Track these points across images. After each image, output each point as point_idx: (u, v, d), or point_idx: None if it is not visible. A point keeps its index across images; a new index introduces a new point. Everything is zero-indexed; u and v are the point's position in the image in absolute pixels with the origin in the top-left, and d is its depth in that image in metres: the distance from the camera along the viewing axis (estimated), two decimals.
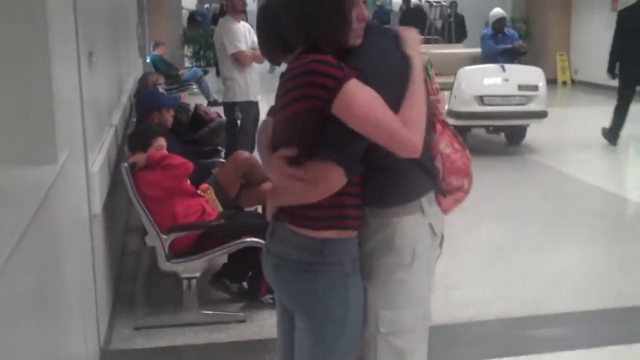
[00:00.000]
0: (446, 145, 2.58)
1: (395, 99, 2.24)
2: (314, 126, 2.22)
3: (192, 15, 23.12)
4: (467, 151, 2.68)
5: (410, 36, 2.40)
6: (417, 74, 2.32)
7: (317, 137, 2.22)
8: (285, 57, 2.46)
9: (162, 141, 4.87)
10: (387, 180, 2.38)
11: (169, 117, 5.85)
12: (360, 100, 2.18)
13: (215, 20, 18.25)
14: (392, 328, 2.43)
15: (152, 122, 5.69)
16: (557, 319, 4.69)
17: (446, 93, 9.55)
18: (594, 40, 16.94)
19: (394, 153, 2.26)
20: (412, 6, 17.90)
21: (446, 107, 8.93)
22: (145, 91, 7.08)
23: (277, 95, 2.37)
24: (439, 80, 8.71)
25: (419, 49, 2.38)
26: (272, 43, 2.53)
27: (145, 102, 6.25)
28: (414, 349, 2.50)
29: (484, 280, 5.34)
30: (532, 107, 9.74)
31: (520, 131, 10.39)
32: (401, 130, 2.22)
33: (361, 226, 2.40)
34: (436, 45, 12.65)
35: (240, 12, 7.41)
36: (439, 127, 2.52)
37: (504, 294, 5.06)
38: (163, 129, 5.44)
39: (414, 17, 13.64)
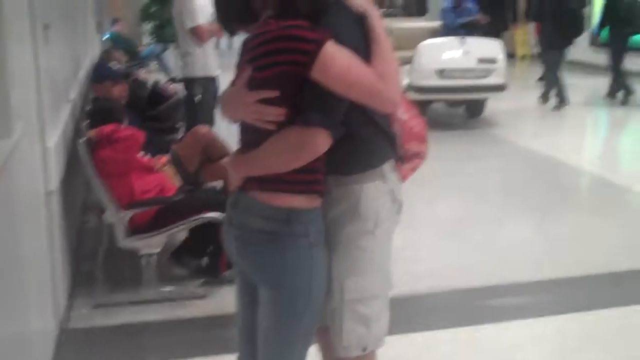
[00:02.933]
0: (403, 111, 2.59)
1: (364, 60, 2.23)
2: (293, 91, 2.19)
3: None
4: (423, 118, 2.70)
5: (364, 3, 2.38)
6: (380, 32, 2.31)
7: (296, 102, 2.19)
8: (246, 26, 2.42)
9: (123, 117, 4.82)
10: (350, 148, 2.37)
11: (114, 90, 5.72)
12: (339, 61, 2.16)
13: None
14: (357, 295, 2.45)
15: (108, 98, 5.61)
16: (516, 288, 4.74)
17: (406, 67, 9.60)
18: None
19: (376, 109, 2.27)
20: None
21: (406, 81, 9.02)
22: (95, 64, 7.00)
23: (243, 62, 2.32)
24: (399, 54, 8.76)
25: (375, 11, 2.37)
26: (233, 10, 2.44)
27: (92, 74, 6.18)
28: (378, 315, 2.52)
29: (444, 252, 5.38)
30: (491, 80, 9.80)
31: (480, 104, 10.46)
32: (380, 85, 2.22)
33: (325, 195, 2.39)
34: (396, 18, 12.62)
35: None
36: None
37: (463, 265, 5.10)
38: (117, 104, 5.37)
39: None
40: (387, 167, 2.46)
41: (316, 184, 2.32)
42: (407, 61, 9.73)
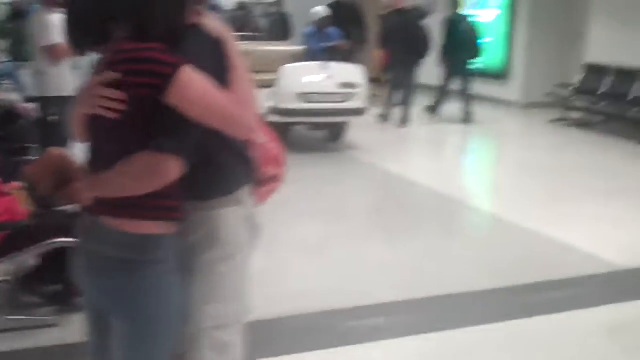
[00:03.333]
0: (261, 135, 2.61)
1: (221, 86, 2.21)
2: (144, 115, 2.14)
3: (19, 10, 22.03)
4: (280, 142, 2.73)
5: (221, 26, 2.37)
6: (236, 56, 2.30)
7: (149, 126, 2.14)
8: (97, 46, 2.35)
9: None
10: (208, 173, 2.35)
11: None
12: (195, 86, 2.13)
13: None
14: (216, 322, 2.42)
15: None
16: (376, 309, 4.80)
17: (268, 90, 9.64)
18: None
19: (231, 135, 2.26)
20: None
21: (269, 103, 9.03)
22: None
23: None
24: (262, 77, 8.72)
25: (232, 37, 2.36)
26: (85, 29, 2.35)
27: None
28: (237, 341, 2.51)
29: (306, 274, 5.39)
30: (352, 104, 9.94)
31: (342, 128, 10.60)
32: (236, 112, 2.20)
33: (182, 221, 2.34)
34: (259, 42, 12.67)
35: (54, 3, 7.10)
36: None
37: (325, 288, 5.13)
38: None
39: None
40: (244, 191, 2.46)
41: (171, 210, 2.28)
42: (270, 84, 9.78)
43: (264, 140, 2.64)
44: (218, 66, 2.25)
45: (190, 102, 2.13)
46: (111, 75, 2.14)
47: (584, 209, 7.31)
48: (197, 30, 2.28)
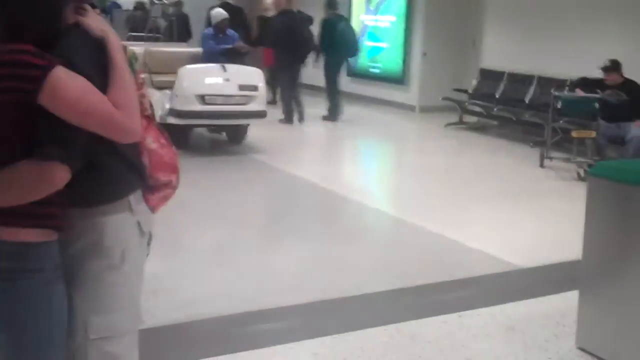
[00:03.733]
0: (152, 140, 2.53)
1: (101, 88, 2.14)
2: (20, 120, 2.07)
3: None
4: (174, 147, 2.64)
5: (103, 25, 2.30)
6: (119, 59, 2.23)
7: (26, 130, 2.06)
8: None
9: None
10: (93, 179, 2.27)
11: None
12: (69, 87, 2.05)
13: None
14: (103, 333, 2.34)
15: None
16: (273, 314, 4.78)
17: (168, 92, 9.51)
18: None
19: (113, 139, 2.19)
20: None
21: (167, 105, 8.90)
22: None
23: None
24: (161, 78, 8.61)
25: (115, 37, 2.29)
26: None
27: None
28: (127, 352, 2.44)
29: (204, 280, 5.33)
30: (252, 107, 9.92)
31: (242, 130, 10.56)
32: (116, 114, 2.14)
33: (65, 228, 2.26)
34: (157, 43, 12.51)
35: None
36: (144, 122, 2.42)
37: (223, 292, 5.08)
38: None
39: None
40: (133, 198, 2.39)
41: (50, 217, 2.20)
42: (169, 85, 9.65)
43: (156, 146, 2.55)
44: (98, 67, 2.19)
45: (63, 105, 2.06)
46: None
47: (480, 211, 7.50)
48: (77, 30, 2.22)
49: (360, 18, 16.00)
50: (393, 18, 15.00)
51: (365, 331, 4.48)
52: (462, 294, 5.26)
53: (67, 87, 2.05)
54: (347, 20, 13.75)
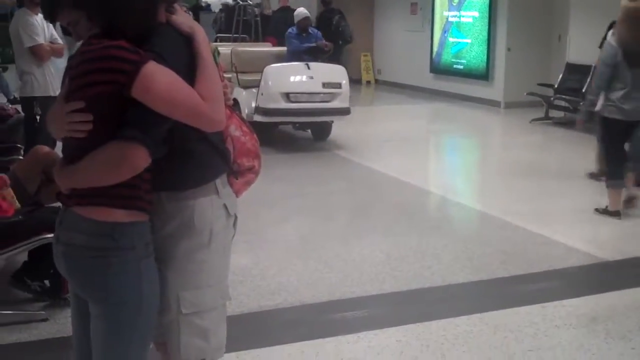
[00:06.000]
0: (235, 128, 2.68)
1: (189, 81, 2.28)
2: (112, 109, 2.22)
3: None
4: (255, 135, 2.78)
5: (192, 22, 2.43)
6: (205, 53, 2.37)
7: (117, 119, 2.21)
8: (66, 16, 2.42)
9: None
10: (183, 164, 2.43)
11: None
12: (160, 81, 2.20)
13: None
14: (194, 308, 2.49)
15: None
16: (357, 302, 4.88)
17: (254, 90, 9.71)
18: (395, 42, 17.72)
19: (199, 129, 2.33)
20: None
21: (253, 104, 9.12)
22: None
23: (69, 78, 2.34)
24: (247, 77, 8.85)
25: (202, 34, 2.43)
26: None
27: None
28: (216, 327, 2.58)
29: (289, 270, 5.47)
30: (336, 104, 10.03)
31: (326, 127, 10.68)
32: (203, 106, 2.27)
33: (157, 211, 2.41)
34: (243, 43, 12.76)
35: (37, 4, 7.15)
36: (227, 111, 2.54)
37: (307, 282, 5.21)
38: None
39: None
40: (220, 182, 2.53)
41: (138, 199, 2.34)
42: (255, 84, 9.85)
43: (239, 134, 2.70)
44: (186, 61, 2.32)
45: (154, 97, 2.20)
46: (76, 105, 2.24)
47: (566, 205, 7.42)
48: (167, 27, 2.36)
49: (443, 14, 15.95)
50: (476, 13, 14.90)
51: (448, 320, 4.54)
52: (545, 285, 5.24)
53: (158, 80, 2.20)
54: (341, 13, 14.53)
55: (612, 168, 6.89)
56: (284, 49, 11.22)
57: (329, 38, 12.39)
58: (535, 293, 5.05)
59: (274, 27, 14.00)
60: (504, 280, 5.32)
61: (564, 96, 12.31)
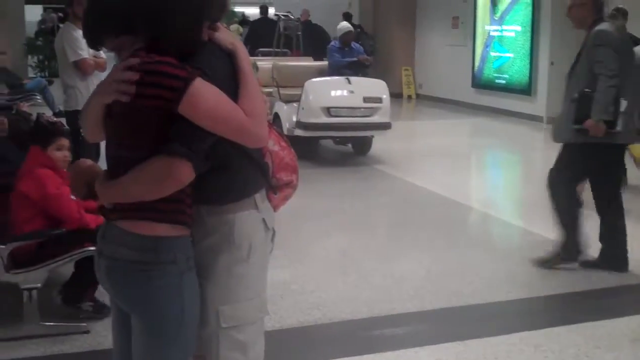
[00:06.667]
0: (274, 142, 2.70)
1: (232, 97, 2.31)
2: (158, 124, 2.25)
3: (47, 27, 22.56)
4: (293, 149, 2.79)
5: (233, 39, 2.46)
6: (247, 69, 2.39)
7: (162, 134, 2.24)
8: (111, 42, 2.45)
9: (64, 141, 4.70)
10: (223, 178, 2.45)
11: None
12: (206, 98, 2.23)
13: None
14: (233, 322, 2.50)
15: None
16: (396, 319, 4.86)
17: (295, 105, 9.74)
18: (437, 56, 17.67)
19: (242, 144, 2.35)
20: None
21: (294, 118, 9.15)
22: None
23: None
24: (288, 92, 8.89)
25: (244, 50, 2.45)
26: (104, 26, 2.44)
27: None
28: (254, 340, 2.58)
29: (331, 285, 5.46)
30: (376, 118, 10.02)
31: (367, 142, 10.67)
32: (247, 122, 2.30)
33: (197, 225, 2.43)
34: (284, 57, 12.82)
35: (80, 19, 7.26)
36: None
37: (347, 297, 5.20)
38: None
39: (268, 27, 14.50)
40: (259, 196, 2.54)
41: (180, 213, 2.37)
42: (296, 99, 9.88)
43: (277, 148, 2.72)
44: (229, 78, 2.35)
45: (200, 113, 2.23)
46: (131, 62, 2.26)
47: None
48: (210, 44, 2.39)
49: (485, 28, 15.88)
50: (518, 27, 14.80)
51: (488, 339, 4.50)
52: (587, 305, 5.18)
53: (204, 97, 2.23)
54: (362, 28, 15.49)
55: None
56: (325, 63, 11.26)
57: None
58: (578, 313, 4.99)
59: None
60: (545, 299, 5.26)
61: None
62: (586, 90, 5.45)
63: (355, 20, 17.23)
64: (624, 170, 6.77)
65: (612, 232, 5.78)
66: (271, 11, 19.20)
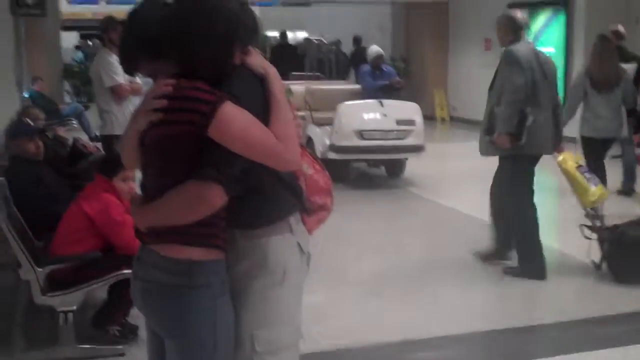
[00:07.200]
0: (308, 166, 2.69)
1: (264, 121, 2.32)
2: (189, 149, 2.27)
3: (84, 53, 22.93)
4: (327, 172, 2.79)
5: (265, 64, 2.47)
6: (279, 93, 2.40)
7: (194, 159, 2.26)
8: (146, 68, 2.49)
9: (130, 172, 4.66)
10: (256, 202, 2.45)
11: (29, 147, 5.54)
12: (236, 122, 2.24)
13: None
14: (268, 347, 2.49)
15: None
16: (434, 343, 4.83)
17: (328, 128, 9.76)
18: (470, 78, 17.60)
19: (274, 168, 2.36)
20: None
21: (327, 142, 9.15)
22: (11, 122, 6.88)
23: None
24: (321, 115, 8.92)
25: (275, 74, 2.46)
26: (139, 51, 2.49)
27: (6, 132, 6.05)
28: None
29: (365, 308, 5.45)
30: (409, 141, 10.00)
31: (400, 164, 10.65)
32: (278, 146, 2.30)
33: (231, 249, 2.44)
34: (317, 81, 12.87)
35: (116, 45, 7.35)
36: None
37: (383, 321, 5.18)
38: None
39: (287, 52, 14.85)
40: (293, 219, 2.54)
41: (214, 237, 2.37)
42: (329, 122, 9.90)
43: (311, 172, 2.72)
44: (260, 102, 2.37)
45: (230, 137, 2.24)
46: (160, 88, 2.29)
47: None
48: (242, 68, 2.41)
49: None
50: (552, 49, 14.71)
51: None
52: (628, 328, 5.11)
53: (234, 121, 2.24)
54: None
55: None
56: (358, 86, 11.27)
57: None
58: (618, 335, 4.92)
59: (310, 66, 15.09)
60: (584, 322, 5.18)
61: None
62: (495, 105, 5.95)
63: (388, 44, 17.26)
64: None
65: (523, 243, 6.10)
66: (292, 35, 19.44)
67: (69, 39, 24.97)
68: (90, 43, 24.20)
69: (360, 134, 9.76)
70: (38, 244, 4.75)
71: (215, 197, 2.26)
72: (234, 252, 2.45)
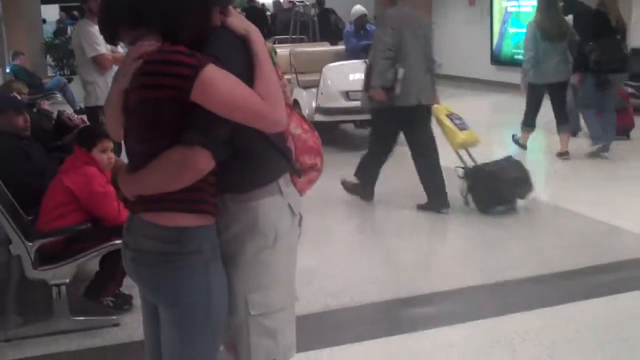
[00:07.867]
0: (296, 126, 2.66)
1: (247, 82, 2.29)
2: (172, 114, 2.24)
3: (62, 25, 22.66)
4: (316, 132, 2.77)
5: (246, 24, 2.44)
6: (262, 54, 2.37)
7: (178, 124, 2.23)
8: (127, 36, 2.45)
9: (108, 143, 4.64)
10: (244, 165, 2.43)
11: (18, 120, 5.50)
12: (219, 84, 2.21)
13: None
14: (262, 309, 2.49)
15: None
16: (424, 299, 4.86)
17: (314, 90, 9.72)
18: (454, 34, 17.55)
19: (260, 130, 2.33)
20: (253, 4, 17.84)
21: (314, 104, 9.09)
22: None
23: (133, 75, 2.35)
24: (306, 78, 8.90)
25: (258, 34, 2.43)
26: (119, 19, 2.43)
27: None
28: (284, 327, 2.58)
29: (357, 267, 5.47)
30: None
31: None
32: (263, 107, 2.27)
33: (221, 213, 2.43)
34: (301, 44, 12.80)
35: (95, 15, 7.26)
36: (287, 110, 2.51)
37: (376, 279, 5.21)
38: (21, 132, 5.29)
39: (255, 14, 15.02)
40: (283, 181, 2.52)
41: (203, 202, 2.36)
42: (315, 84, 9.86)
43: (299, 132, 2.69)
44: (244, 63, 2.33)
45: (214, 100, 2.21)
46: (142, 49, 2.28)
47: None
48: (222, 30, 2.38)
49: (502, 5, 15.75)
50: (535, 2, 14.64)
51: (521, 314, 4.51)
52: (617, 276, 5.16)
53: (217, 84, 2.20)
54: (335, 13, 15.67)
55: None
56: (342, 47, 11.21)
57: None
58: (608, 284, 4.97)
59: (281, 28, 15.29)
60: (574, 273, 5.23)
61: (630, 82, 12.00)
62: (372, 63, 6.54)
63: (371, 3, 17.11)
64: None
65: (426, 179, 6.85)
66: None
67: (50, 13, 24.73)
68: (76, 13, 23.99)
69: (347, 95, 9.71)
70: (28, 219, 4.73)
71: (202, 162, 2.24)
72: (225, 217, 2.44)
